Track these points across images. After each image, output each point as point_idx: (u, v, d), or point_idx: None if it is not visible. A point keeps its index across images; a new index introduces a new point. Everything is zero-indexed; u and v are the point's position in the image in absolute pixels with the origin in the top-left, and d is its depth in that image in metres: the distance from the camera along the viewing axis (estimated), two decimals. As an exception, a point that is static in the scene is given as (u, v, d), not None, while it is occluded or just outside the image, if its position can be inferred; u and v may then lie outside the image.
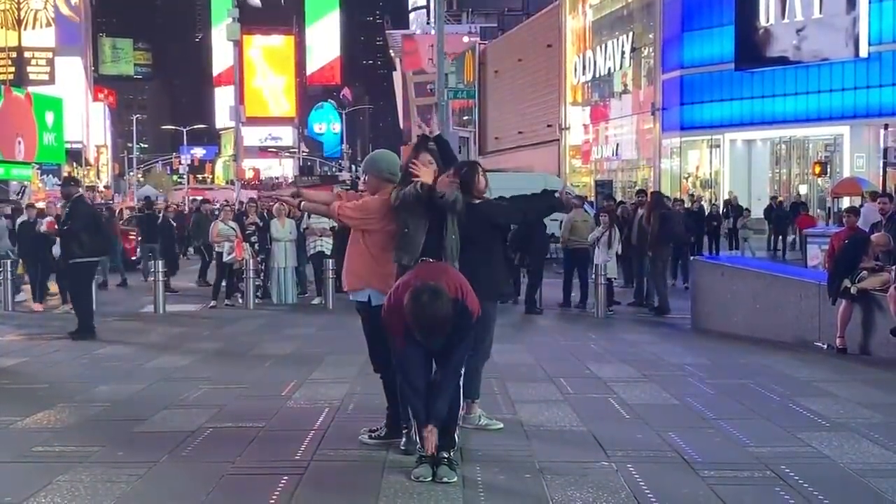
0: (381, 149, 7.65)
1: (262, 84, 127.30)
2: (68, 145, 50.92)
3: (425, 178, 5.86)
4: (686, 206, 25.04)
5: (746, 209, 29.48)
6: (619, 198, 35.46)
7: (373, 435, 6.29)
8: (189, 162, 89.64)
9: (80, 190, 14.46)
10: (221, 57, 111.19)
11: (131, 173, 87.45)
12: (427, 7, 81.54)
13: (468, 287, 5.59)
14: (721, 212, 29.76)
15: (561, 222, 16.39)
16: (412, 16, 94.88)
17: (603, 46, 49.64)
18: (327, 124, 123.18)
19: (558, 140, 55.20)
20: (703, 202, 33.35)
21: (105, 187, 73.16)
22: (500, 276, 6.65)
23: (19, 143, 36.61)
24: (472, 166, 6.71)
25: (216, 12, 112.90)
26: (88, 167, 73.71)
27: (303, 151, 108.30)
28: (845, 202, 29.35)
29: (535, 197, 6.92)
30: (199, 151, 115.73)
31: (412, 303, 5.27)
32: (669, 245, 15.60)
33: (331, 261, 15.67)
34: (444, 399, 5.53)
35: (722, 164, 41.86)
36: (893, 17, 33.97)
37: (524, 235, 14.75)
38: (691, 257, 17.30)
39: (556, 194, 6.86)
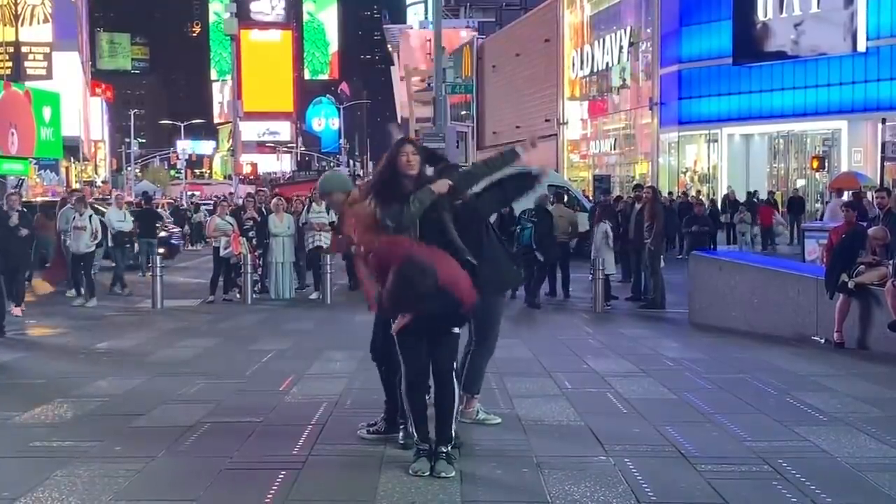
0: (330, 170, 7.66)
1: (260, 79, 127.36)
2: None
3: (440, 188, 5.78)
4: (688, 200, 25.07)
5: (742, 204, 29.51)
6: (616, 193, 35.52)
7: (371, 430, 6.29)
8: (186, 157, 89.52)
9: None
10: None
11: (129, 168, 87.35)
12: (425, 2, 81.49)
13: (461, 279, 5.49)
14: (718, 206, 29.83)
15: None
16: (410, 10, 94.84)
17: (601, 41, 49.62)
18: (325, 120, 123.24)
19: (556, 135, 55.19)
20: (700, 197, 33.39)
21: (103, 182, 73.13)
22: (502, 265, 6.52)
23: (12, 133, 36.50)
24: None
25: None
26: (86, 162, 73.58)
27: (300, 147, 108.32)
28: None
29: (508, 179, 6.44)
30: (197, 145, 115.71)
31: (397, 271, 5.27)
32: (664, 239, 15.70)
33: (329, 255, 15.68)
34: (449, 421, 5.57)
35: (720, 159, 41.87)
36: (891, 11, 33.98)
37: (545, 232, 14.94)
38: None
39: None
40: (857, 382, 8.32)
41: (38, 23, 55.15)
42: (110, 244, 17.56)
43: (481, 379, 6.74)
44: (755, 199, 30.83)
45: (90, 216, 15.57)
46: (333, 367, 9.15)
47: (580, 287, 16.34)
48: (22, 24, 53.09)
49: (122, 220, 17.69)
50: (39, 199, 27.84)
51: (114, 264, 17.66)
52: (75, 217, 15.50)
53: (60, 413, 7.22)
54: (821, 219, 26.33)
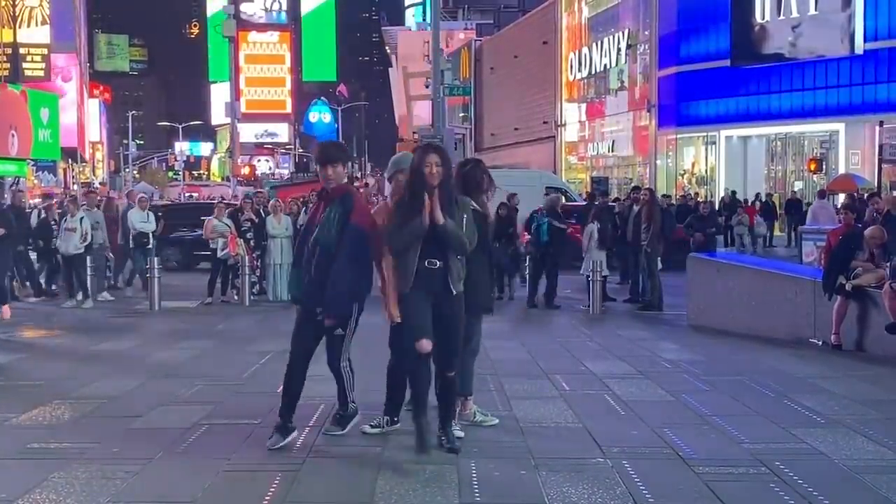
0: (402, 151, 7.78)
1: (258, 80, 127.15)
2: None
3: (436, 217, 5.75)
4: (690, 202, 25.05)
5: (741, 206, 29.52)
6: (614, 194, 35.50)
7: (372, 424, 6.39)
8: (185, 158, 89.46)
9: None
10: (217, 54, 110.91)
11: (127, 170, 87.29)
12: (423, 3, 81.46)
13: (366, 216, 6.10)
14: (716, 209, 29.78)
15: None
16: (408, 12, 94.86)
17: (599, 43, 49.64)
18: (319, 114, 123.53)
19: (554, 137, 55.22)
20: (698, 199, 33.39)
21: (101, 184, 73.14)
22: (485, 288, 6.61)
23: (13, 135, 36.40)
24: (476, 164, 6.82)
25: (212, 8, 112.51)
26: (84, 164, 73.54)
27: (298, 149, 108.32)
28: (840, 198, 29.37)
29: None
30: (195, 147, 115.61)
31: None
32: (662, 241, 15.68)
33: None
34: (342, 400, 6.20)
35: (717, 161, 41.87)
36: (889, 14, 34.00)
37: (555, 233, 15.07)
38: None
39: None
40: (855, 384, 8.34)
41: (37, 24, 55.23)
42: (131, 245, 17.57)
43: (471, 379, 6.73)
44: (757, 202, 30.85)
45: (81, 218, 15.53)
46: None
47: (577, 288, 16.33)
48: (20, 26, 53.11)
49: (144, 220, 17.63)
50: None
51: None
52: (66, 218, 15.46)
53: (58, 414, 7.22)
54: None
